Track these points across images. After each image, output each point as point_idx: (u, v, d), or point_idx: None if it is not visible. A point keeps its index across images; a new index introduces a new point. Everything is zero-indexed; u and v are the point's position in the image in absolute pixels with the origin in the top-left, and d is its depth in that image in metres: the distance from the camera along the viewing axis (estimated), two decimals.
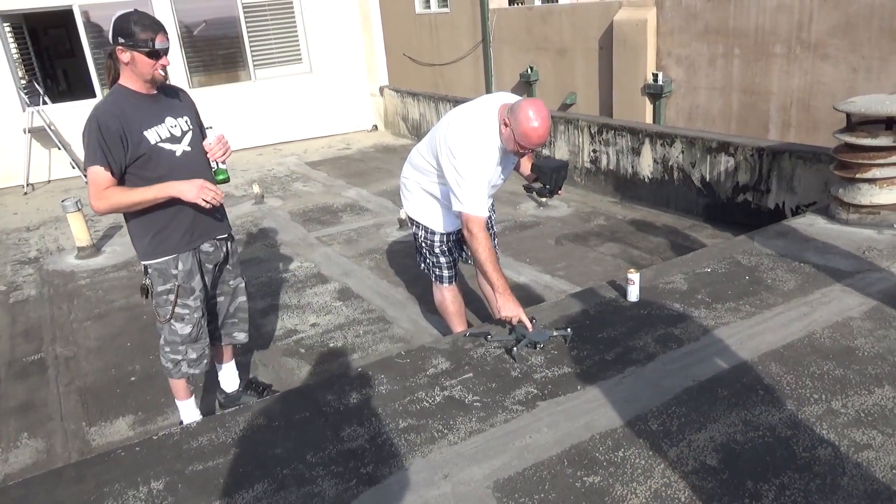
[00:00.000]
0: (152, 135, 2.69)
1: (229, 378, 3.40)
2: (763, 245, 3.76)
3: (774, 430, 2.25)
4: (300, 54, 10.52)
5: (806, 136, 5.81)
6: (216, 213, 2.96)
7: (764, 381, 2.51)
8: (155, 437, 2.49)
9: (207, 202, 2.71)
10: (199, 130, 2.94)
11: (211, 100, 9.87)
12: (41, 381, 3.91)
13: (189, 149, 2.81)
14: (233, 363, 3.40)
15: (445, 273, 3.52)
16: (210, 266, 3.00)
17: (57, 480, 2.30)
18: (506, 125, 2.86)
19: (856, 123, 3.88)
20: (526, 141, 2.80)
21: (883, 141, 3.74)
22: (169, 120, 2.77)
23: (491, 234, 3.51)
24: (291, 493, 2.13)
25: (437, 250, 3.44)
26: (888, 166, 3.80)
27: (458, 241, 3.51)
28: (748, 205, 5.18)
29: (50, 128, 8.76)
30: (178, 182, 2.69)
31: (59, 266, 5.83)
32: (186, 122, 2.85)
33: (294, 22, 10.35)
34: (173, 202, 2.73)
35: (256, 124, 10.30)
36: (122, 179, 2.67)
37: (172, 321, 2.90)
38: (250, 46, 10.13)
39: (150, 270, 2.84)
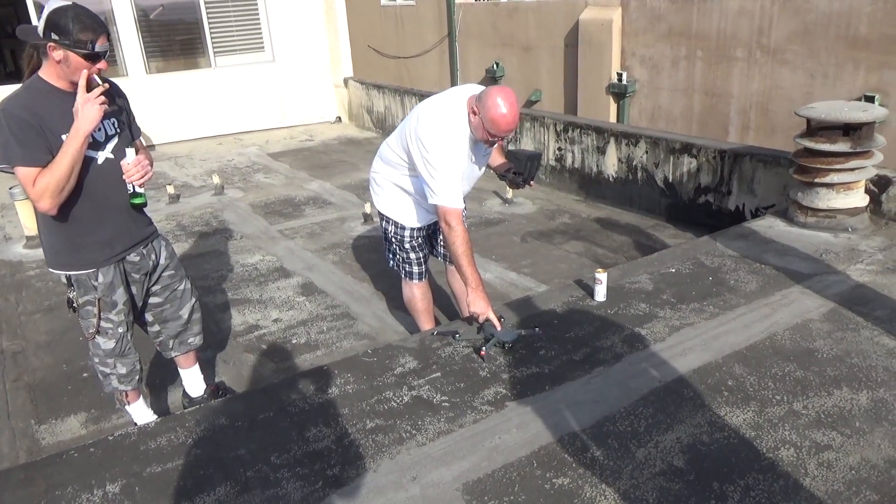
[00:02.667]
0: None
1: (193, 383, 3.24)
2: (725, 246, 3.82)
3: (739, 432, 2.28)
4: (262, 42, 10.30)
5: (764, 139, 5.94)
6: (139, 220, 2.74)
7: (728, 383, 2.55)
8: (110, 438, 2.40)
9: (99, 97, 2.34)
10: (128, 133, 2.65)
11: (169, 86, 9.62)
12: None
13: (112, 156, 2.53)
14: (196, 367, 3.23)
15: (415, 269, 3.47)
16: (138, 276, 2.76)
17: (4, 483, 2.20)
18: (474, 114, 2.85)
19: (815, 129, 3.97)
20: (495, 128, 2.79)
21: (841, 147, 3.84)
22: None
23: None
24: (255, 496, 2.08)
25: (407, 245, 3.39)
26: (845, 171, 3.91)
27: (428, 237, 3.48)
28: (709, 206, 5.27)
29: None
30: (75, 124, 2.33)
31: (6, 255, 5.58)
32: (113, 124, 2.56)
33: (256, 8, 10.12)
34: (90, 213, 2.51)
35: (216, 113, 10.06)
36: None
37: (97, 336, 2.73)
38: (210, 33, 9.87)
39: (72, 281, 2.63)
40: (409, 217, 3.31)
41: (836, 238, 3.85)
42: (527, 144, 6.89)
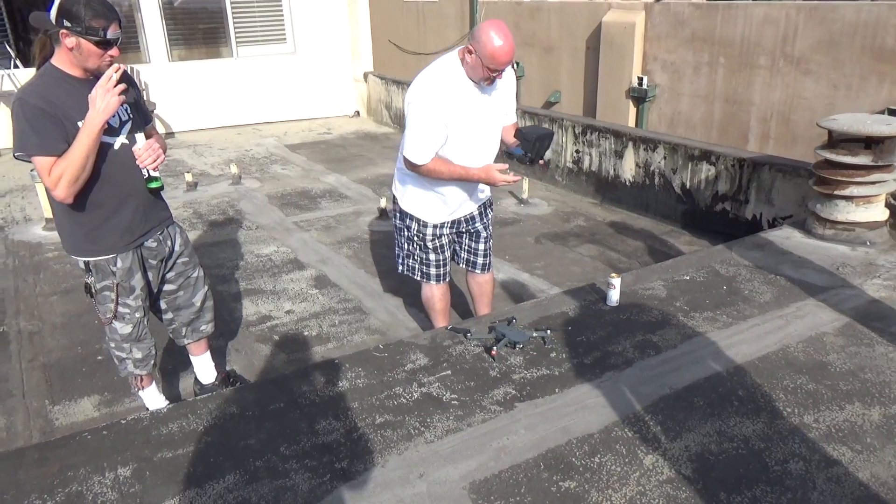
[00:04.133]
0: None
1: (205, 370, 3.28)
2: (741, 256, 3.80)
3: (748, 442, 2.27)
4: (285, 34, 10.34)
5: (784, 148, 5.89)
6: (156, 205, 2.77)
7: (738, 393, 2.54)
8: (123, 422, 2.43)
9: (117, 87, 2.35)
10: (141, 119, 2.67)
11: (190, 75, 9.68)
12: (3, 355, 3.79)
13: (127, 142, 2.57)
14: (208, 354, 3.27)
15: (433, 271, 3.43)
16: (154, 262, 2.81)
17: (19, 461, 2.23)
18: (470, 52, 2.84)
19: (837, 141, 3.93)
20: (493, 62, 2.77)
21: (862, 159, 3.81)
22: None
23: (484, 234, 3.47)
24: (263, 486, 2.10)
25: (429, 245, 3.35)
26: (865, 185, 3.87)
27: (451, 241, 3.45)
28: (726, 214, 5.24)
29: None
30: (91, 114, 2.34)
31: (26, 237, 5.66)
32: (126, 110, 2.58)
33: (280, 1, 10.16)
34: (109, 199, 2.54)
35: (236, 103, 10.11)
36: None
37: (114, 321, 2.76)
38: (234, 22, 9.92)
39: (90, 267, 2.66)
40: (430, 212, 3.26)
41: (853, 251, 3.81)
42: None
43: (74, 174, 2.38)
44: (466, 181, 3.11)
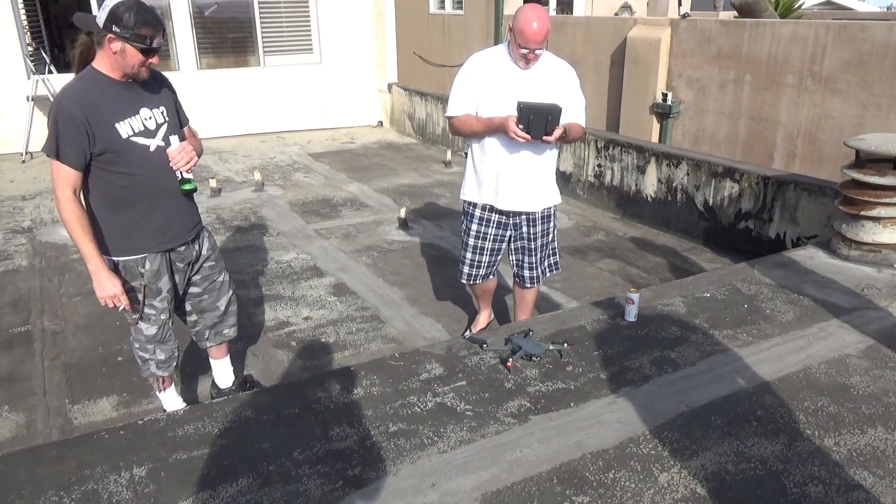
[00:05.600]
0: (124, 128, 2.51)
1: (223, 374, 3.30)
2: (763, 274, 3.75)
3: (766, 463, 2.23)
4: (311, 44, 10.47)
5: (810, 168, 5.82)
6: (189, 209, 2.82)
7: (758, 413, 2.50)
8: (140, 422, 2.46)
9: (105, 303, 2.61)
10: (178, 121, 2.76)
11: (218, 83, 9.84)
12: (26, 353, 3.86)
13: (163, 143, 2.63)
14: (227, 358, 3.29)
15: (465, 269, 3.51)
16: (182, 265, 2.84)
17: (38, 458, 2.26)
18: (510, 31, 3.03)
19: (864, 161, 3.88)
20: (522, 39, 2.96)
21: (890, 180, 3.75)
22: (144, 111, 2.58)
23: (529, 245, 3.46)
24: (276, 490, 2.10)
25: (472, 231, 3.40)
26: (893, 206, 3.81)
27: (500, 237, 3.42)
28: (749, 232, 5.18)
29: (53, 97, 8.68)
30: (103, 270, 2.56)
31: (53, 238, 5.77)
32: (162, 112, 2.65)
33: (308, 11, 10.31)
34: (143, 200, 2.61)
35: (262, 111, 10.25)
36: (87, 170, 2.51)
37: (140, 322, 2.80)
38: (262, 32, 10.08)
39: (119, 268, 2.69)
40: (472, 189, 3.36)
41: (879, 273, 3.75)
42: (566, 160, 6.86)
43: (65, 223, 2.53)
44: (490, 131, 3.16)
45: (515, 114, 2.99)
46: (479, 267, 3.49)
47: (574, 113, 3.19)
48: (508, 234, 3.44)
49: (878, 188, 3.80)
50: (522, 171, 3.24)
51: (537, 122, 2.94)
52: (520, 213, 3.35)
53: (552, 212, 3.43)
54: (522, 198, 3.29)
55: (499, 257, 3.52)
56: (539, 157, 3.24)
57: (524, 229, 3.40)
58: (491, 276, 3.61)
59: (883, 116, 5.34)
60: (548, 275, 3.58)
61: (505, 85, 3.11)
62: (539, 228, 3.40)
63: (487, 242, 3.43)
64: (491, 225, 3.39)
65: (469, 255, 3.46)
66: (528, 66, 3.09)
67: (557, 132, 2.98)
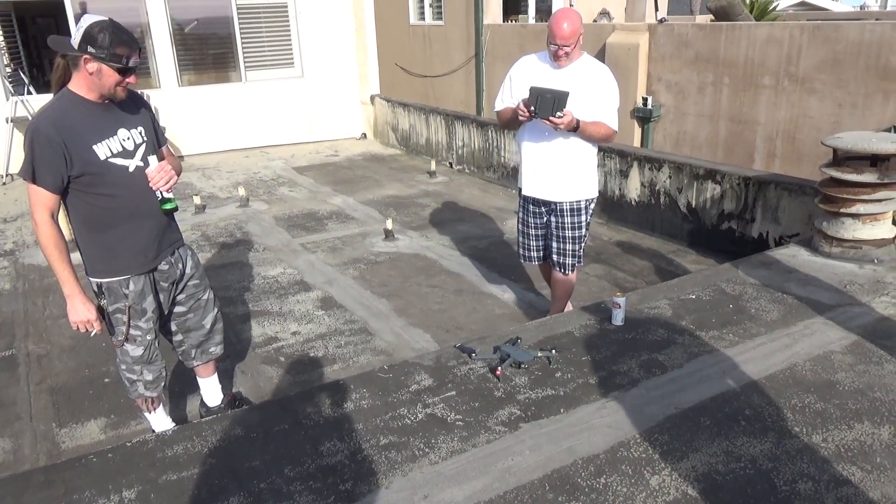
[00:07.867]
0: (102, 149, 2.50)
1: (212, 392, 3.28)
2: (747, 274, 3.79)
3: (756, 462, 2.25)
4: (292, 58, 10.48)
5: (790, 167, 5.89)
6: (169, 227, 2.81)
7: (746, 412, 2.52)
8: (128, 444, 2.43)
9: (77, 328, 2.65)
10: (156, 140, 2.74)
11: (200, 99, 9.82)
12: (11, 378, 3.81)
13: (142, 164, 2.61)
14: (215, 377, 3.27)
15: (520, 250, 3.93)
16: (166, 284, 2.83)
17: (25, 484, 2.24)
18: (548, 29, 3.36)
19: (842, 159, 3.93)
20: (552, 36, 3.29)
21: (867, 177, 3.80)
22: (122, 132, 2.57)
23: (557, 234, 3.74)
24: None
25: (519, 217, 3.85)
26: (871, 202, 3.86)
27: (539, 224, 3.79)
28: (732, 232, 5.23)
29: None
30: (78, 295, 2.59)
31: (36, 260, 5.71)
32: (140, 132, 2.64)
33: (288, 25, 10.32)
34: (124, 221, 2.60)
35: (244, 126, 10.23)
36: (66, 192, 2.50)
37: (125, 343, 2.78)
38: (242, 47, 10.08)
39: (102, 290, 2.69)
40: (520, 179, 3.75)
41: (860, 269, 3.79)
42: None
43: (44, 252, 2.53)
44: (515, 117, 3.42)
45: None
46: (527, 249, 3.92)
47: (598, 111, 3.43)
48: (545, 220, 3.77)
49: (856, 185, 3.85)
50: (546, 161, 3.57)
51: (544, 104, 3.23)
52: (547, 203, 3.69)
53: (581, 206, 3.66)
54: (544, 187, 3.62)
55: (543, 242, 3.88)
56: (565, 150, 3.52)
57: (551, 218, 3.71)
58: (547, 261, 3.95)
59: (859, 114, 5.42)
60: (570, 274, 3.86)
61: (538, 80, 3.37)
62: (565, 221, 3.69)
63: (530, 229, 3.85)
64: (528, 213, 3.79)
65: (520, 239, 3.92)
66: (561, 64, 3.40)
67: (566, 118, 3.23)
